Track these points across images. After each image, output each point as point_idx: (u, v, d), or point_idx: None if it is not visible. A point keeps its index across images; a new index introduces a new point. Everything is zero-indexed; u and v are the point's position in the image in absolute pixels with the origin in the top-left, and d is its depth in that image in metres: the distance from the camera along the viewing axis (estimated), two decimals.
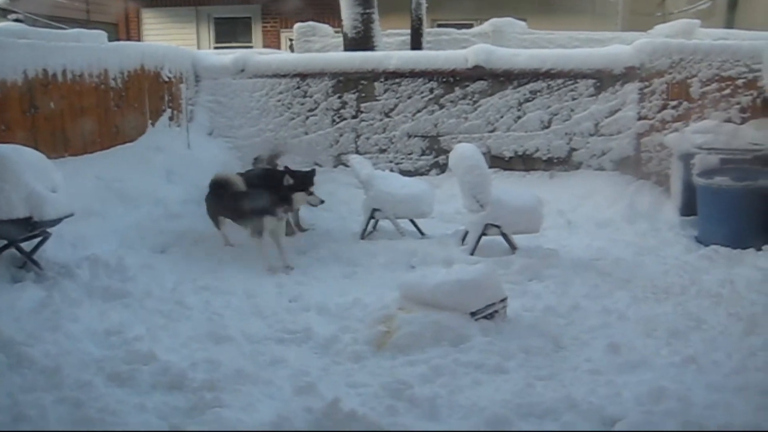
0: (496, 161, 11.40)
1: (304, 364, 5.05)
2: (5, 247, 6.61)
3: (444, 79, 11.78)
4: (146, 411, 4.29)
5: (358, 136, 12.13)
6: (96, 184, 8.69)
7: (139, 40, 21.21)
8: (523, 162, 11.52)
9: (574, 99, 11.28)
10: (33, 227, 6.57)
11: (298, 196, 7.72)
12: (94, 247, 7.33)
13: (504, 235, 8.03)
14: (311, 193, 7.78)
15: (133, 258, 7.24)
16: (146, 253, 7.70)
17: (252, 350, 5.23)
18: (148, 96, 10.98)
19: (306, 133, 12.26)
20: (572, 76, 11.28)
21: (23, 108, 8.12)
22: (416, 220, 9.10)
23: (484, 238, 8.00)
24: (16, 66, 7.98)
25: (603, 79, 11.13)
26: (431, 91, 11.83)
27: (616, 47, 11.55)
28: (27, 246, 6.75)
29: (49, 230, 6.84)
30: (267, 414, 4.24)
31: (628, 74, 10.93)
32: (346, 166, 10.97)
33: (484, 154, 8.81)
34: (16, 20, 15.56)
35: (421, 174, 11.71)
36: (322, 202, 7.87)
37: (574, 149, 11.31)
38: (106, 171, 9.07)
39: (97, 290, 6.46)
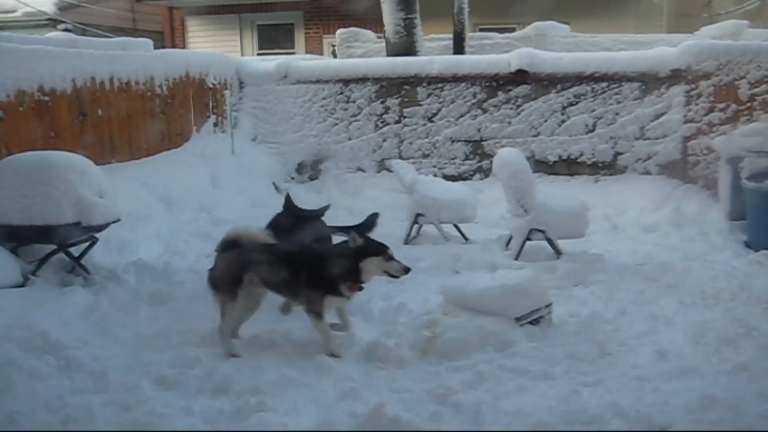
0: (540, 166, 11.33)
1: (348, 369, 5.03)
2: (54, 252, 6.73)
3: (487, 84, 11.75)
4: (192, 414, 4.32)
5: (401, 141, 12.14)
6: (142, 189, 8.81)
7: (183, 47, 21.46)
8: (568, 166, 11.42)
9: (618, 102, 11.16)
10: (81, 232, 6.68)
11: (371, 264, 5.28)
12: (141, 252, 7.43)
13: (549, 240, 7.96)
14: (391, 258, 5.32)
15: (179, 263, 7.32)
16: (192, 258, 7.77)
17: (296, 355, 5.24)
18: (193, 102, 11.12)
19: (349, 139, 12.30)
20: (617, 79, 11.17)
21: (72, 115, 8.28)
22: (460, 225, 9.07)
23: (528, 243, 7.94)
24: (65, 75, 8.13)
25: (648, 81, 11.00)
26: (474, 95, 11.79)
27: (662, 49, 11.42)
28: (75, 251, 6.87)
29: (96, 235, 6.95)
30: (311, 418, 4.25)
31: (674, 77, 10.79)
32: (390, 171, 10.99)
33: (528, 158, 8.76)
34: (65, 30, 15.91)
35: (465, 179, 11.67)
36: (408, 270, 5.34)
37: (619, 153, 11.20)
38: (152, 177, 9.19)
39: (143, 295, 6.54)
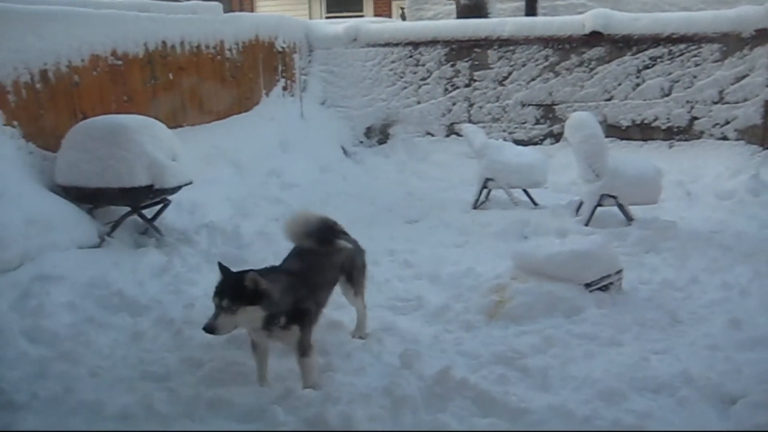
0: (613, 130, 11.08)
1: (416, 332, 5.05)
2: (128, 213, 6.88)
3: (560, 46, 11.51)
4: None
5: (470, 105, 12.02)
6: (213, 153, 8.91)
7: (252, 11, 21.55)
8: (641, 131, 11.15)
9: (697, 65, 10.81)
10: (154, 195, 6.81)
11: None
12: (211, 215, 7.54)
13: (620, 206, 7.82)
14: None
15: (248, 226, 7.40)
16: (261, 221, 7.85)
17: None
18: (263, 66, 11.17)
19: (418, 102, 12.23)
20: (696, 40, 10.80)
21: (144, 79, 8.40)
22: (529, 190, 8.98)
23: (599, 209, 7.81)
24: (137, 39, 8.25)
25: (730, 43, 10.61)
26: (546, 58, 11.58)
27: (746, 8, 10.92)
28: (148, 213, 7.02)
29: (169, 198, 7.07)
30: (377, 379, 4.28)
31: (758, 37, 10.37)
32: (459, 135, 10.93)
33: (600, 122, 8.58)
34: None
35: (535, 143, 11.53)
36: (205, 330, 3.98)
37: (695, 118, 10.87)
38: (222, 140, 9.30)
39: (214, 256, 6.63)
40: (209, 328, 3.90)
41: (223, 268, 4.12)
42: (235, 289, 3.95)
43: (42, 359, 4.55)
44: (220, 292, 3.97)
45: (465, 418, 3.77)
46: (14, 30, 6.74)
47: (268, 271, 4.28)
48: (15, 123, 6.62)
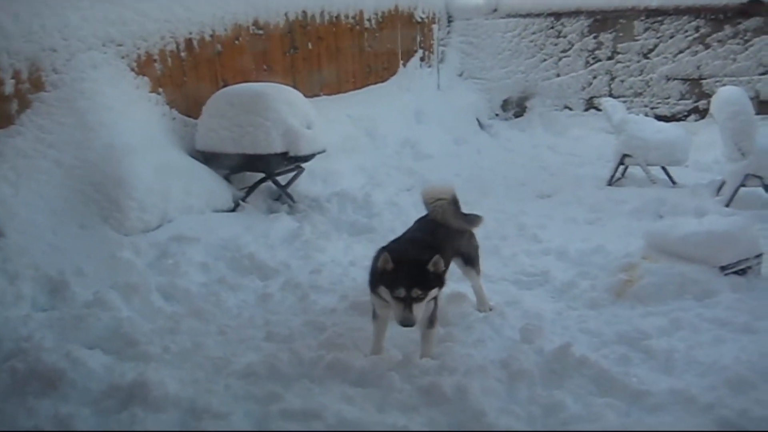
0: (765, 107, 10.45)
1: (539, 307, 4.97)
2: (263, 180, 7.09)
3: (712, 17, 10.96)
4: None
5: (612, 79, 11.66)
6: (348, 122, 9.05)
7: None
8: None
9: None
10: (288, 162, 6.97)
11: (384, 293, 3.98)
12: (343, 183, 7.66)
13: (766, 187, 7.41)
14: (399, 300, 3.85)
15: (379, 195, 7.47)
16: (392, 191, 7.91)
17: (488, 290, 5.20)
18: (401, 37, 11.20)
19: (557, 75, 11.97)
20: None
21: (284, 49, 8.61)
22: (669, 168, 8.64)
23: (742, 189, 7.42)
24: (278, 8, 8.45)
25: None
26: (696, 29, 11.05)
27: None
28: (282, 180, 7.21)
29: (302, 165, 7.23)
30: (496, 351, 4.25)
31: None
32: (598, 110, 10.66)
33: (751, 98, 8.13)
34: None
35: (678, 120, 11.06)
36: (402, 324, 3.87)
37: None
38: (358, 110, 9.41)
39: (344, 224, 6.77)
40: (408, 322, 3.81)
41: (394, 256, 3.90)
42: (423, 276, 3.87)
43: (175, 315, 4.81)
44: (409, 281, 3.81)
45: (582, 396, 3.68)
46: (163, 1, 7.04)
47: (413, 244, 4.23)
48: (160, 90, 6.94)
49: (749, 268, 5.26)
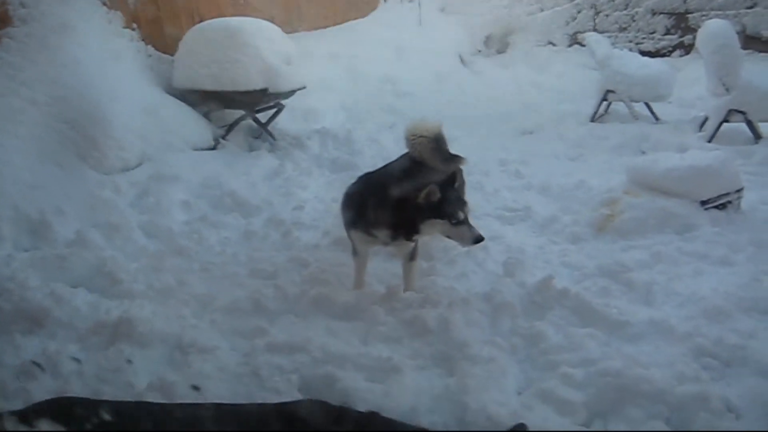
0: (752, 42, 10.40)
1: (521, 242, 5.02)
2: (243, 117, 7.03)
3: None
4: (366, 274, 4.44)
5: (596, 13, 11.57)
6: (328, 59, 8.94)
7: None
8: None
9: None
10: (268, 99, 6.91)
11: (433, 227, 3.87)
12: (324, 121, 7.63)
13: (749, 123, 7.41)
14: (460, 223, 3.81)
15: (360, 132, 7.45)
16: (373, 128, 7.88)
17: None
18: None
19: (541, 10, 11.87)
20: None
21: None
22: (652, 104, 8.63)
23: (725, 125, 7.43)
24: None
25: None
26: None
27: None
28: (262, 117, 7.15)
29: (283, 102, 7.17)
30: (479, 285, 4.29)
31: None
32: (582, 45, 10.56)
33: (738, 33, 8.08)
34: None
35: (663, 55, 11.03)
36: (478, 240, 3.80)
37: None
38: (337, 46, 9.31)
39: (325, 161, 6.76)
40: (481, 237, 3.77)
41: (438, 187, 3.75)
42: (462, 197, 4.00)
43: (158, 253, 4.81)
44: (461, 203, 3.86)
45: (563, 327, 3.73)
46: None
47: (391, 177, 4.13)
48: (134, 26, 6.80)
49: (729, 202, 5.30)
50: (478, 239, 3.77)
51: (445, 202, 3.77)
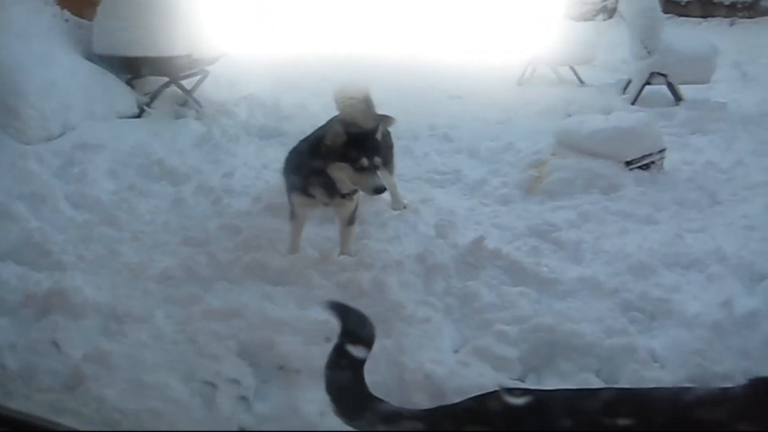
0: (671, 6, 10.62)
1: (452, 204, 5.09)
2: (167, 84, 6.89)
3: None
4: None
5: None
6: (251, 25, 8.80)
7: None
8: (701, 7, 10.73)
9: None
10: (193, 64, 6.78)
11: (340, 173, 3.84)
12: (251, 88, 7.52)
13: (670, 85, 7.62)
14: (363, 169, 3.80)
15: (289, 99, 7.38)
16: (302, 94, 7.81)
17: (402, 188, 5.22)
18: None
19: None
20: None
21: None
22: (577, 68, 8.77)
23: (648, 87, 7.63)
24: None
25: None
26: None
27: None
28: (187, 84, 7.02)
29: (207, 69, 7.05)
30: (412, 247, 4.32)
31: None
32: None
33: None
34: None
35: (586, 19, 11.12)
36: (378, 191, 3.84)
37: None
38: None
39: (253, 128, 6.70)
40: (382, 188, 3.84)
41: (345, 130, 3.82)
42: (377, 144, 3.94)
43: (86, 223, 4.68)
44: (369, 150, 3.83)
45: (495, 286, 3.81)
46: None
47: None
48: None
49: (653, 162, 5.48)
50: (379, 189, 3.81)
51: (350, 146, 3.81)
